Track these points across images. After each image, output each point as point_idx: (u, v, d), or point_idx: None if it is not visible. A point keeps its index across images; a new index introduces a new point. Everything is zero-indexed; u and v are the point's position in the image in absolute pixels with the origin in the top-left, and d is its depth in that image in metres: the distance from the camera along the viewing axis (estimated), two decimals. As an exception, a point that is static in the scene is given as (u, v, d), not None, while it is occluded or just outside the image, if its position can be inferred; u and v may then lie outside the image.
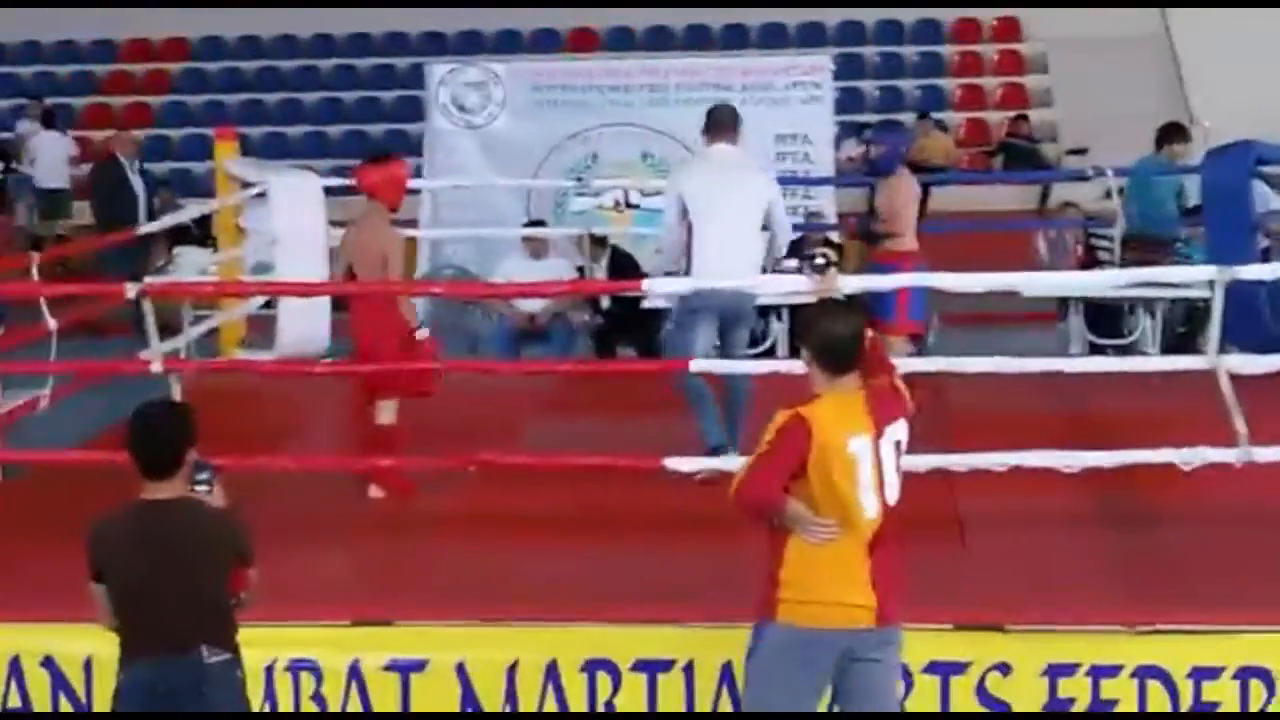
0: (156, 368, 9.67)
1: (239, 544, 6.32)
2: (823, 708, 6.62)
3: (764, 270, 10.10)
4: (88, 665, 7.89)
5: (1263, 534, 8.85)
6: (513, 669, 7.86)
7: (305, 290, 11.82)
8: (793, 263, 7.55)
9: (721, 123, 10.56)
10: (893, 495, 6.47)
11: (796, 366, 6.79)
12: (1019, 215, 20.89)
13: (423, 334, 10.04)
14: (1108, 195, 15.82)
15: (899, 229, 11.56)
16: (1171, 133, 14.84)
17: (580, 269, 15.10)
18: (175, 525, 6.23)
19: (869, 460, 6.38)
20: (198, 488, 6.36)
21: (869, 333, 6.90)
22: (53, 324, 10.64)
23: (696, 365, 9.76)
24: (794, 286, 8.03)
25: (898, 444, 6.50)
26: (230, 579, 6.32)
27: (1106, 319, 14.53)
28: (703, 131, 10.60)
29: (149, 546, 6.21)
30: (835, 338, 6.47)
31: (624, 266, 15.15)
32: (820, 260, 7.29)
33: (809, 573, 6.38)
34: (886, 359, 6.86)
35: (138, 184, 18.77)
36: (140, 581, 6.23)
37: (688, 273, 10.08)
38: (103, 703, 7.82)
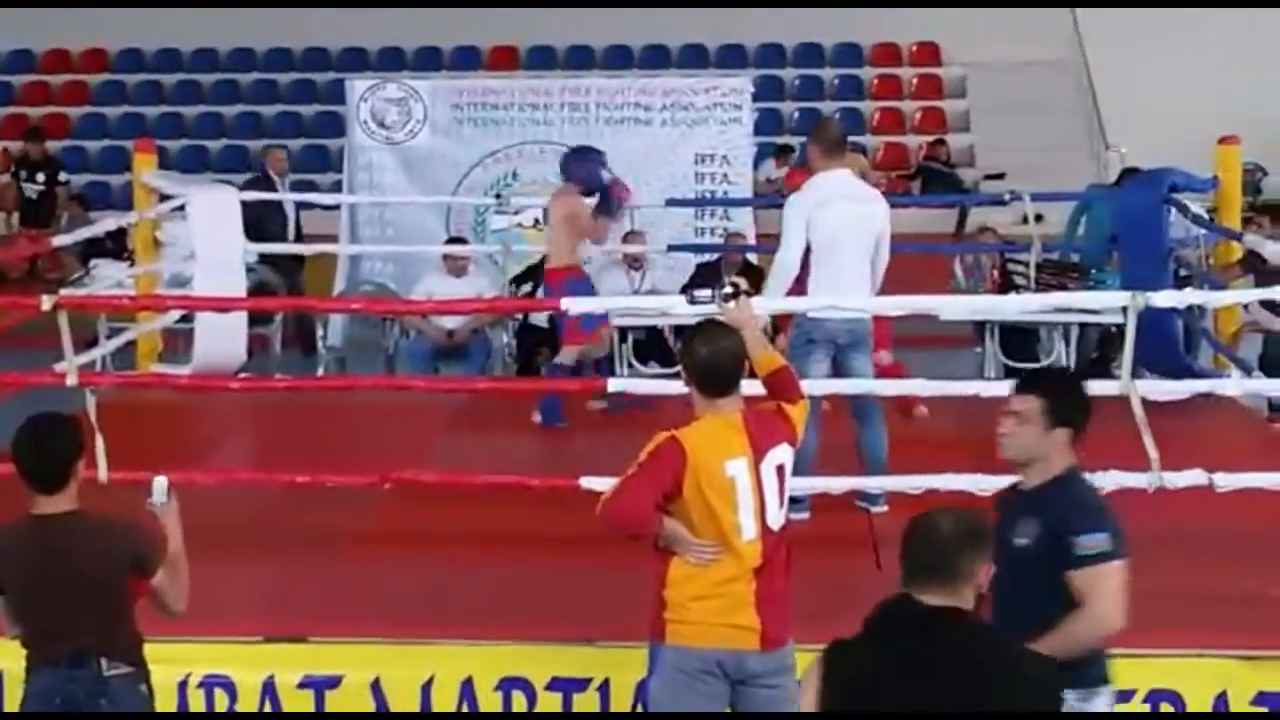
0: (72, 380, 9.61)
1: (137, 553, 6.27)
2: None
3: None
4: (-1, 679, 7.85)
5: (1174, 560, 8.89)
6: (427, 686, 7.85)
7: (222, 305, 11.78)
8: (705, 292, 7.54)
9: (838, 142, 10.07)
10: (775, 519, 6.48)
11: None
12: (936, 239, 21.00)
13: None
14: (1024, 220, 15.94)
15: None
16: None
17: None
18: (67, 539, 6.22)
19: (747, 483, 6.39)
20: (155, 503, 6.37)
21: (780, 360, 6.93)
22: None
23: (615, 384, 9.76)
24: (704, 314, 8.03)
25: (780, 468, 6.51)
26: (130, 589, 6.29)
27: (1021, 343, 14.64)
28: (819, 150, 9.92)
29: (40, 561, 6.20)
30: (710, 360, 6.49)
31: None
32: (729, 289, 7.27)
33: (692, 594, 6.40)
34: (792, 386, 6.87)
35: (288, 202, 17.68)
36: (34, 596, 6.24)
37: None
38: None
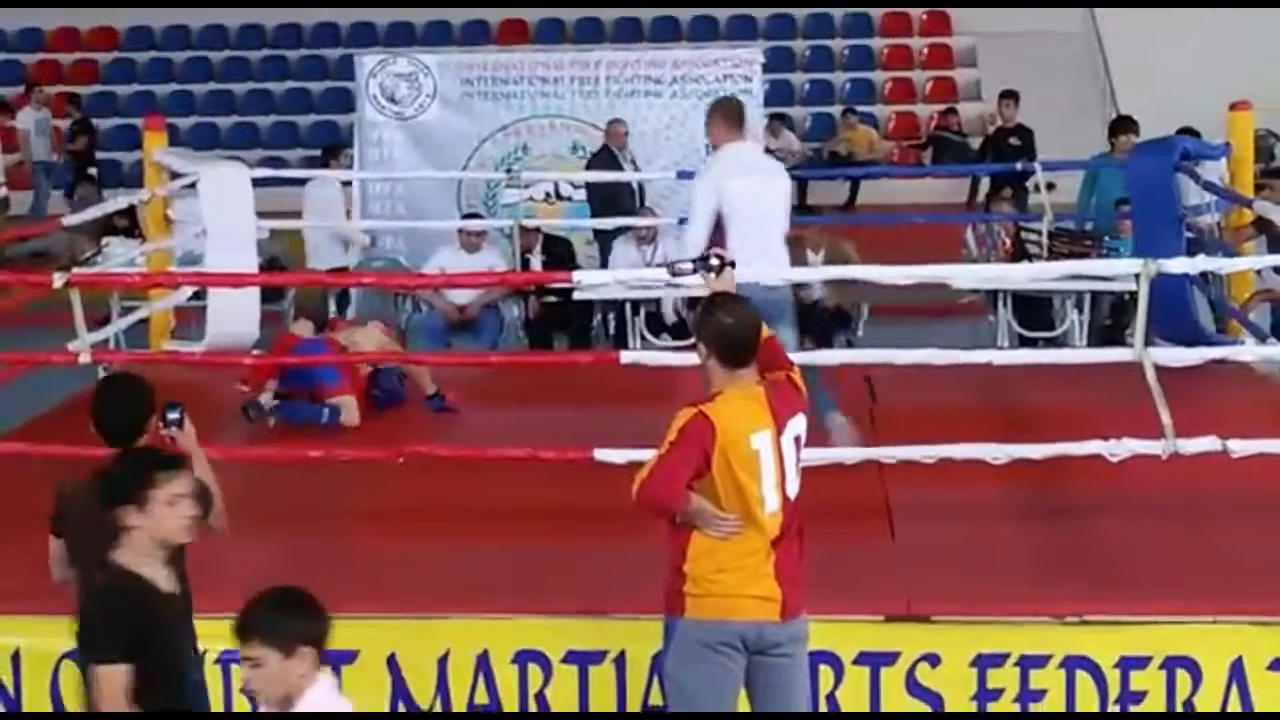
0: (85, 358, 9.63)
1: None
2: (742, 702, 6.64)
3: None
4: (15, 658, 7.85)
5: (1188, 525, 8.92)
6: (443, 660, 7.87)
7: (234, 281, 11.78)
8: (688, 264, 7.57)
9: (740, 117, 10.22)
10: (793, 489, 6.51)
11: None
12: (947, 208, 20.98)
13: None
14: (1036, 189, 15.93)
15: None
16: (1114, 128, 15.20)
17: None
18: None
19: (771, 455, 6.42)
20: (168, 426, 6.50)
21: (766, 330, 6.93)
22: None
23: (628, 357, 9.75)
24: (689, 286, 8.04)
25: (797, 438, 6.54)
26: None
27: (1035, 312, 14.62)
28: (725, 125, 10.07)
29: (93, 506, 6.22)
30: (732, 331, 6.49)
31: (559, 253, 15.13)
32: (715, 260, 7.29)
33: (713, 567, 6.41)
34: (783, 354, 6.89)
35: (632, 174, 16.42)
36: (84, 540, 6.27)
37: None
38: (32, 695, 7.80)
